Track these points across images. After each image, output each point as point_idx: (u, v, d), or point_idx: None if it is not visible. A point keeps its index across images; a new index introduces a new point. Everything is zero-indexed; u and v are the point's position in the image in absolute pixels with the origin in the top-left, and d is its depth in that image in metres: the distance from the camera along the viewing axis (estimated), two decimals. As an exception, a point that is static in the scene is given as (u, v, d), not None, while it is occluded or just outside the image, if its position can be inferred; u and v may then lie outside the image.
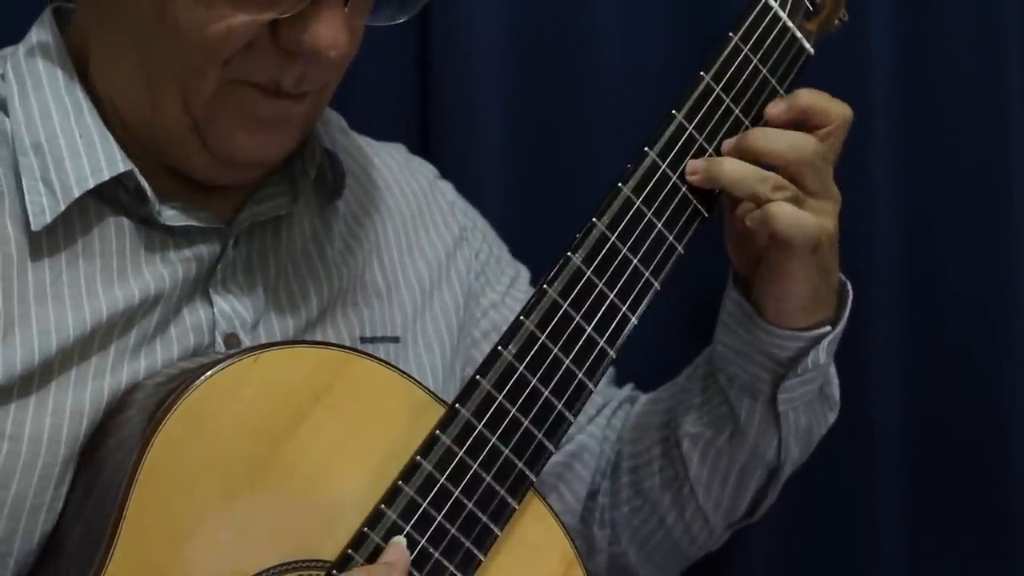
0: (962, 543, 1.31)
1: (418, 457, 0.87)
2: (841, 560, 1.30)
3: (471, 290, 1.11)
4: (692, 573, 1.27)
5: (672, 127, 0.97)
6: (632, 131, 1.26)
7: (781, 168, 0.96)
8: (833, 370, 1.10)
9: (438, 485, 0.87)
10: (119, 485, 0.80)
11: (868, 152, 1.26)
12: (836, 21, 1.05)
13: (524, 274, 1.18)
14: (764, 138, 0.96)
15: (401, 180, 1.10)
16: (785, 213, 0.95)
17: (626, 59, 1.28)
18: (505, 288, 1.14)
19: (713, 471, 1.09)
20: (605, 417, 1.17)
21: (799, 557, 1.30)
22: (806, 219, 0.96)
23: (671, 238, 0.96)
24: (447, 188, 1.15)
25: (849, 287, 1.05)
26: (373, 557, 0.85)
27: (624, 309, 0.94)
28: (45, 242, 0.88)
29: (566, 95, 1.29)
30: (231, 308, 0.94)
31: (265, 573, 0.83)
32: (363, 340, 1.00)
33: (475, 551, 0.89)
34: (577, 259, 0.93)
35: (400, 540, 0.85)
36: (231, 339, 0.93)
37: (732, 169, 0.96)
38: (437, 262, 1.08)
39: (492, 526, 0.89)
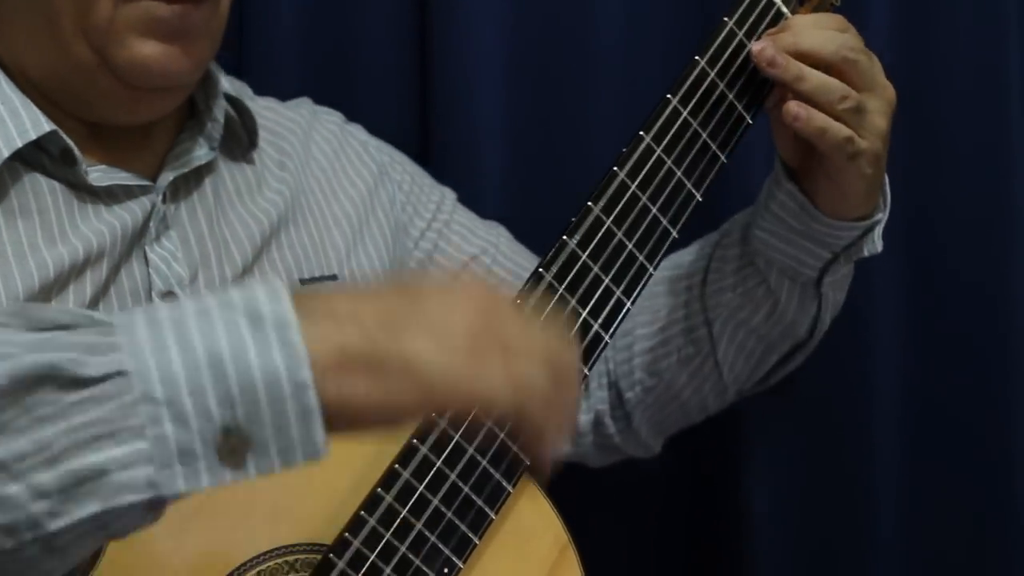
0: (962, 532, 1.31)
1: (414, 440, 0.87)
2: (839, 549, 1.30)
3: (398, 222, 1.12)
4: (692, 569, 1.28)
5: (667, 112, 0.97)
6: (632, 130, 1.26)
7: (823, 68, 0.98)
8: None
9: (434, 468, 0.87)
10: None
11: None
12: (828, 6, 1.05)
13: (449, 195, 1.18)
14: (807, 36, 0.98)
15: (312, 129, 1.12)
16: (827, 131, 0.98)
17: (627, 60, 1.27)
18: (432, 213, 1.15)
19: (740, 349, 1.12)
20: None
21: (798, 549, 1.30)
22: (842, 138, 0.98)
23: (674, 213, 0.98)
24: (357, 130, 1.16)
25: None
26: (371, 541, 0.85)
27: (642, 259, 0.96)
28: None
29: (566, 96, 1.28)
30: (166, 265, 0.94)
31: (262, 557, 0.83)
32: (302, 282, 1.01)
33: (470, 535, 0.89)
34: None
35: None
36: (168, 297, 0.93)
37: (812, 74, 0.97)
38: (361, 199, 1.09)
39: (487, 510, 0.89)
